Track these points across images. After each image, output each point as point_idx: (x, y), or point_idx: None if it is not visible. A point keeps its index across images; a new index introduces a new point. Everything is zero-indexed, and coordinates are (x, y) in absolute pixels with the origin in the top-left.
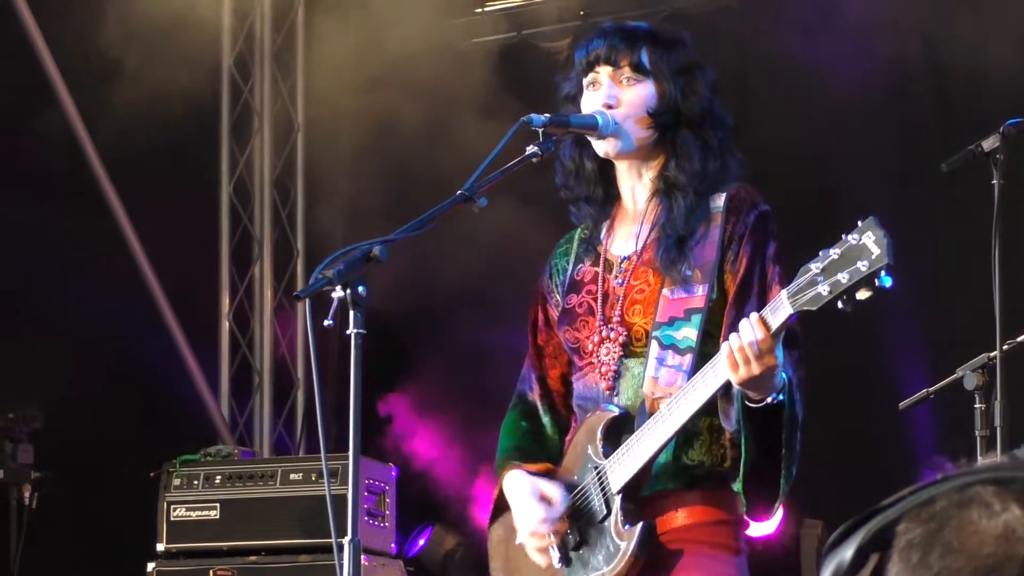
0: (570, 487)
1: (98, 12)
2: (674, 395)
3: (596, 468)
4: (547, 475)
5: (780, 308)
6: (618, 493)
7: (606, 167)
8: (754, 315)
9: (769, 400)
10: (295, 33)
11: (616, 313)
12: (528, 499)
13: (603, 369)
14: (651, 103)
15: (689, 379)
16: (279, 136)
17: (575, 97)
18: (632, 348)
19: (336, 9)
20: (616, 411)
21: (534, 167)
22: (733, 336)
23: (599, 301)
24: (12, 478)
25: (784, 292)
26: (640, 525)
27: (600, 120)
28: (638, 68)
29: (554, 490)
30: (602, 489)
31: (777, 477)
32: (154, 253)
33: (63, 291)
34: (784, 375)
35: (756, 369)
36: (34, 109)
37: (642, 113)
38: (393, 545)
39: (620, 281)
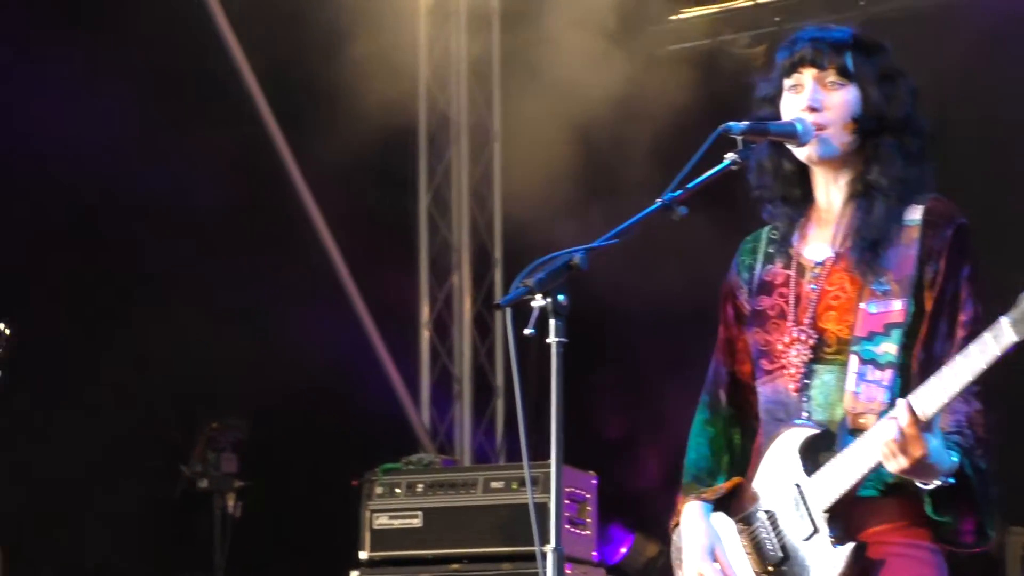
0: (757, 505)
1: (300, 35)
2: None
3: (798, 486)
4: (731, 494)
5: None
6: (825, 512)
7: (803, 168)
8: (901, 403)
9: (938, 483)
10: (491, 43)
11: (808, 317)
12: (699, 552)
13: (792, 371)
14: (855, 108)
15: (891, 395)
16: (476, 146)
17: (773, 99)
18: (823, 353)
19: (530, 18)
20: (814, 428)
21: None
22: (885, 424)
23: (791, 304)
24: (217, 487)
25: (1004, 321)
26: (852, 546)
27: (799, 128)
28: (843, 72)
29: (729, 539)
30: (806, 507)
31: (976, 513)
32: (355, 264)
33: (265, 302)
34: (954, 457)
35: (905, 463)
36: (239, 132)
37: (847, 119)
38: (595, 553)
39: (814, 286)
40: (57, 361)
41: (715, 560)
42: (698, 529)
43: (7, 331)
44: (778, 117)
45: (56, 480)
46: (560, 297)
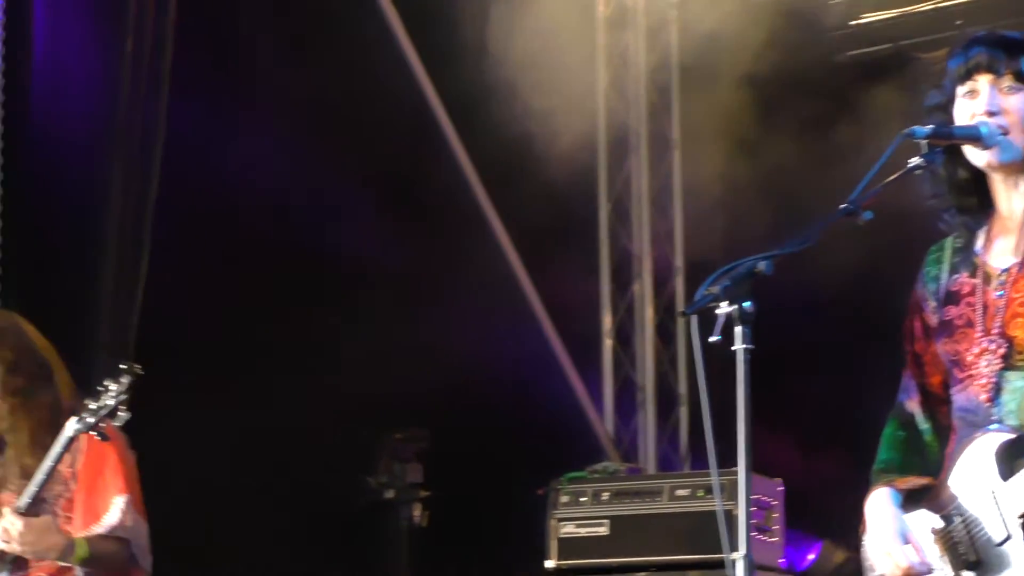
0: (952, 508)
1: (476, 44)
2: None
3: (992, 491)
4: (923, 491)
5: None
6: (1020, 517)
7: (977, 176)
8: None
9: None
10: (669, 52)
11: (996, 325)
12: (890, 534)
13: (983, 382)
14: None
15: None
16: (656, 154)
17: (945, 107)
18: (1013, 361)
19: (707, 24)
20: (1010, 433)
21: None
22: None
23: (979, 313)
24: (402, 497)
25: None
26: None
27: (984, 131)
28: (1020, 77)
29: (921, 534)
30: (1000, 511)
31: None
32: (536, 274)
33: (447, 313)
34: None
35: None
36: (422, 145)
37: None
38: (782, 560)
39: (1000, 293)
40: (240, 375)
41: (907, 543)
42: (887, 513)
43: (137, 373)
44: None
45: (239, 491)
46: (746, 304)
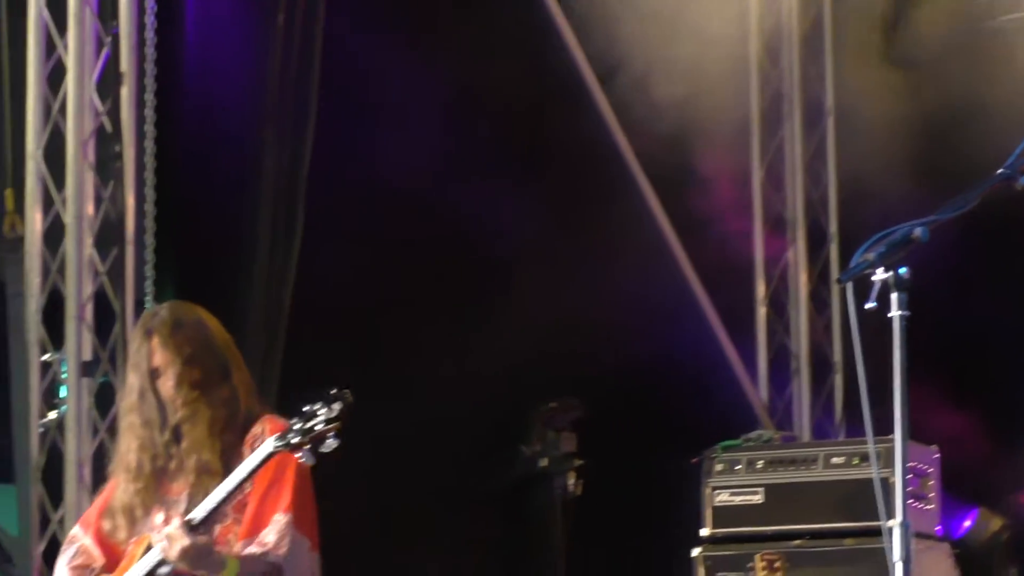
0: None
1: (626, 10)
2: None
3: None
4: None
5: None
6: None
7: None
8: None
9: None
10: (822, 17)
11: None
12: None
13: None
14: None
15: None
16: (810, 121)
17: None
18: None
19: None
20: None
21: None
22: None
23: None
24: (556, 467)
25: None
26: None
27: None
28: None
29: None
30: None
31: None
32: (688, 242)
33: (600, 283)
34: None
35: None
36: (568, 110)
37: None
38: (938, 527)
39: None
40: (393, 349)
41: None
42: None
43: (349, 400)
44: None
45: (393, 463)
46: (902, 270)
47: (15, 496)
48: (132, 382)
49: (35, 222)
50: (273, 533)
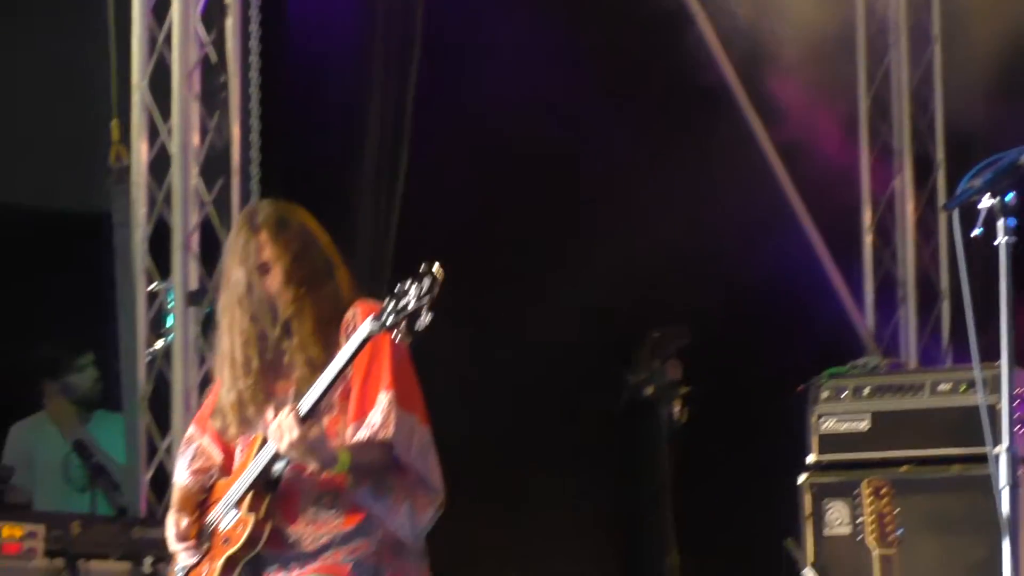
0: None
1: None
2: None
3: None
4: None
5: None
6: None
7: None
8: None
9: None
10: None
11: None
12: None
13: None
14: None
15: None
16: (916, 48)
17: None
18: None
19: None
20: None
21: None
22: None
23: None
24: (662, 395)
25: None
26: None
27: None
28: None
29: None
30: None
31: None
32: (794, 169)
33: (706, 209)
34: None
35: None
36: (673, 39)
37: None
38: None
39: None
40: (497, 280)
41: None
42: None
43: (439, 275)
44: None
45: (501, 391)
46: (1008, 197)
47: (123, 425)
48: (238, 276)
49: (141, 153)
50: (378, 413)
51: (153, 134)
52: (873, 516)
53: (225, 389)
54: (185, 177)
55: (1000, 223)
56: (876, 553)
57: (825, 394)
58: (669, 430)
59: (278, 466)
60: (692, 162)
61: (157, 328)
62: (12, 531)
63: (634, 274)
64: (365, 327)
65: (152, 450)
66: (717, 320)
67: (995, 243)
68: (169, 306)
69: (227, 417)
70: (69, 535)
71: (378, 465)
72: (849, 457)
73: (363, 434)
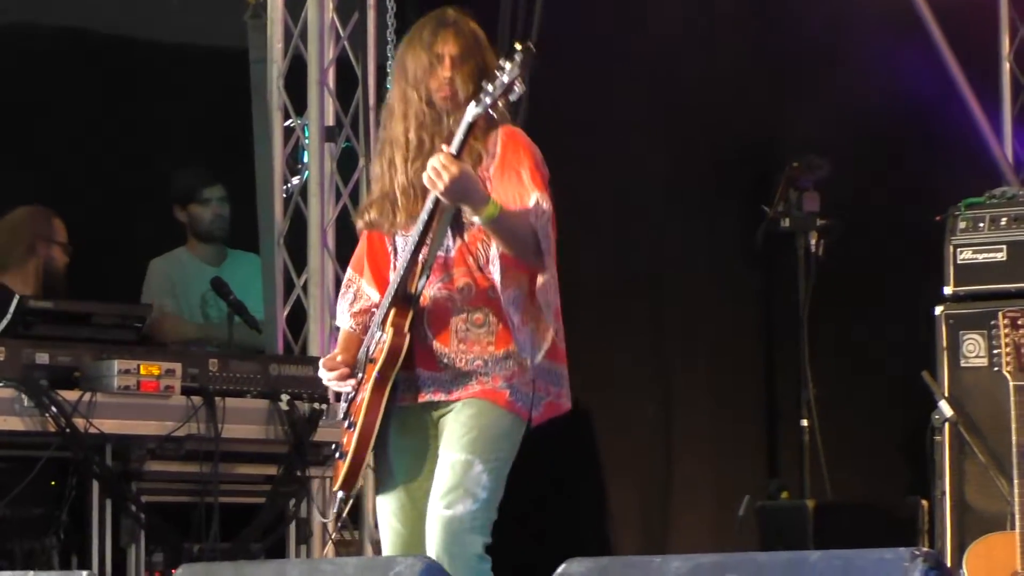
0: None
1: None
2: None
3: None
4: None
5: None
6: None
7: None
8: None
9: None
10: None
11: None
12: None
13: None
14: None
15: None
16: None
17: None
18: None
19: None
20: None
21: None
22: None
23: None
24: (799, 226)
25: None
26: None
27: None
28: None
29: None
30: None
31: None
32: None
33: (841, 38)
34: None
35: None
36: None
37: None
38: None
39: None
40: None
41: None
42: None
43: (531, 50)
44: None
45: (638, 225)
46: None
47: (256, 265)
48: (421, 61)
49: None
50: (533, 203)
51: None
52: (1010, 347)
53: (398, 172)
54: (321, 12)
55: None
56: (1013, 384)
57: (962, 224)
58: (807, 263)
59: (420, 282)
60: None
61: (294, 164)
62: (150, 369)
63: (773, 105)
64: (469, 111)
65: (289, 287)
66: (856, 151)
67: None
68: (305, 142)
69: (397, 203)
70: (206, 372)
71: (522, 237)
72: (986, 288)
73: (512, 207)
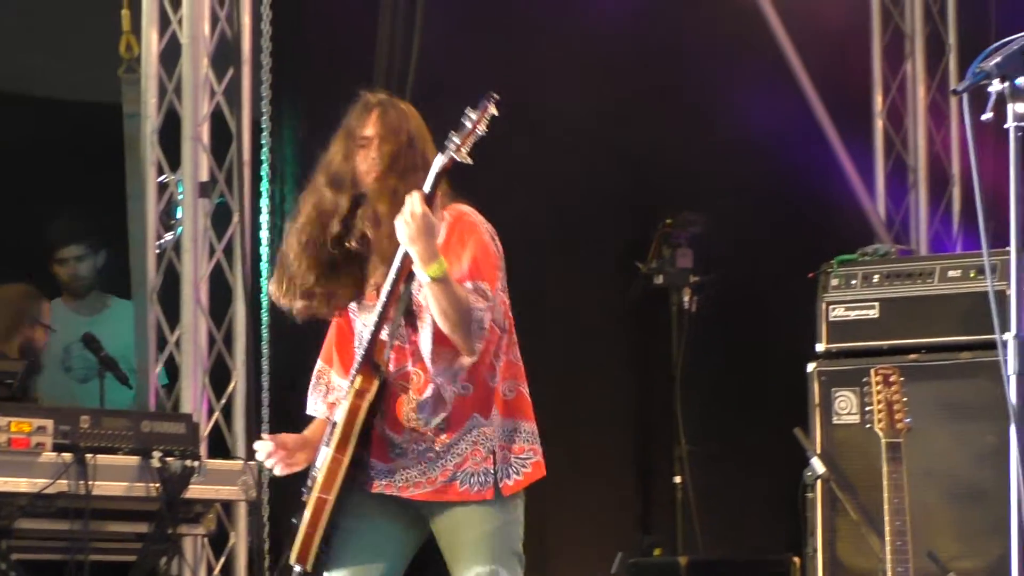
0: None
1: None
2: None
3: None
4: None
5: None
6: None
7: None
8: None
9: None
10: None
11: None
12: None
13: None
14: None
15: None
16: None
17: None
18: None
19: None
20: None
21: None
22: None
23: None
24: (672, 282)
25: None
26: None
27: None
28: None
29: None
30: None
31: None
32: (806, 53)
33: (718, 96)
34: None
35: None
36: None
37: None
38: None
39: None
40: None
41: None
42: None
43: (495, 98)
44: None
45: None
46: (1019, 81)
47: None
48: (336, 147)
49: (151, 43)
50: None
51: (164, 24)
52: (882, 404)
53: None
54: (196, 67)
55: (1010, 107)
56: (884, 441)
57: (835, 281)
58: (680, 319)
59: (386, 352)
60: (708, 49)
61: (167, 220)
62: (20, 426)
63: (647, 163)
64: (437, 161)
65: (162, 343)
66: (729, 208)
67: (1005, 128)
68: (179, 197)
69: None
70: (78, 429)
71: (459, 307)
72: (858, 345)
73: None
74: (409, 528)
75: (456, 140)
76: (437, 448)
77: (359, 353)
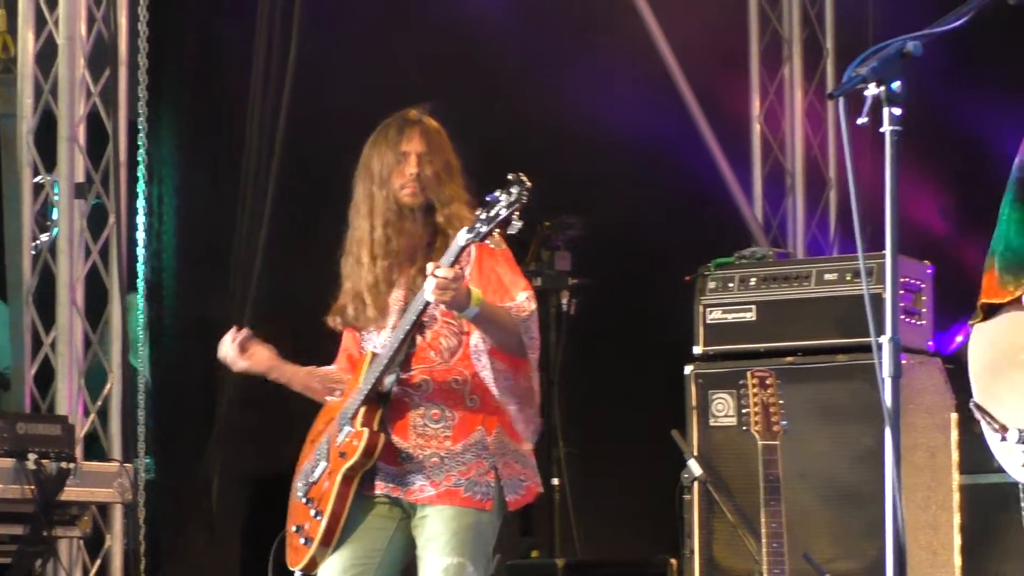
0: None
1: None
2: None
3: None
4: None
5: None
6: None
7: None
8: None
9: None
10: None
11: None
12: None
13: None
14: None
15: None
16: None
17: None
18: None
19: None
20: None
21: None
22: None
23: None
24: (551, 285)
25: None
26: None
27: None
28: None
29: None
30: None
31: None
32: (684, 58)
33: (594, 96)
34: None
35: None
36: None
37: None
38: (930, 343)
39: None
40: None
41: None
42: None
43: (527, 183)
44: None
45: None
46: (894, 85)
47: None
48: (387, 160)
49: (27, 43)
50: (521, 298)
51: (40, 24)
52: (758, 407)
53: (365, 270)
54: (72, 67)
55: (886, 112)
56: (761, 443)
57: (712, 284)
58: (558, 321)
59: (389, 380)
60: (589, 55)
61: (43, 221)
62: None
63: (528, 165)
64: (461, 237)
65: (37, 344)
66: (607, 211)
67: (881, 131)
68: (55, 198)
69: (365, 300)
70: None
71: (507, 331)
72: (735, 348)
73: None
74: (408, 531)
75: (485, 228)
76: (442, 454)
77: (368, 379)
